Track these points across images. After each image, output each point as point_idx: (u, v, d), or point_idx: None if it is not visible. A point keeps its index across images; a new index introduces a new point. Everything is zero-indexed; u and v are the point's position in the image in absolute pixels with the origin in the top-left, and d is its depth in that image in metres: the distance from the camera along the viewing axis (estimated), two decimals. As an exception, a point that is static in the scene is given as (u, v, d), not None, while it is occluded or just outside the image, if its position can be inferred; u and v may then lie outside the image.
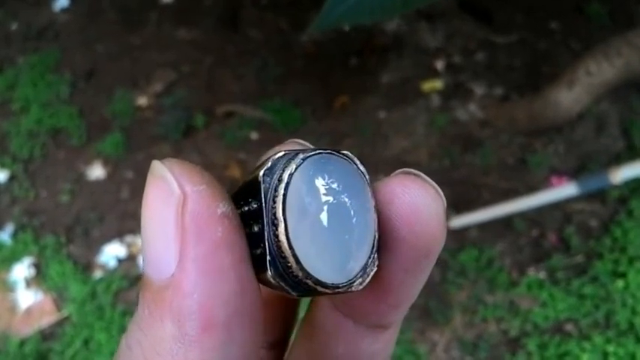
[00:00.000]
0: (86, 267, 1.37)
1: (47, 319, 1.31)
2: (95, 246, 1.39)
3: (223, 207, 0.16)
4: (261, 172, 0.18)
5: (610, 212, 1.32)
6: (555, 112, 1.34)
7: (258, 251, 0.17)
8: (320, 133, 1.47)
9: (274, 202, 0.17)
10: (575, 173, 1.36)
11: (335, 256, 0.17)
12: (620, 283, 1.22)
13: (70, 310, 1.31)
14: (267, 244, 0.17)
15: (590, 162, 1.37)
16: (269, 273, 0.17)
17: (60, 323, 1.31)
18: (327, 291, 0.18)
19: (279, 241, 0.17)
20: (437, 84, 1.53)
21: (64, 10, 1.82)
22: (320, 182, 0.17)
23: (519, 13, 1.63)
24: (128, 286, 1.33)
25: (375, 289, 0.19)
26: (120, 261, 1.36)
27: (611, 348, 1.16)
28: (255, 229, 0.18)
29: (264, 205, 0.17)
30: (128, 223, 1.41)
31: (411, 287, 0.20)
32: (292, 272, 0.17)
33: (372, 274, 0.18)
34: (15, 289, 1.35)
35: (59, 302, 1.33)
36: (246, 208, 0.18)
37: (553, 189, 1.26)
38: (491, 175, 1.39)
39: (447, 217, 1.32)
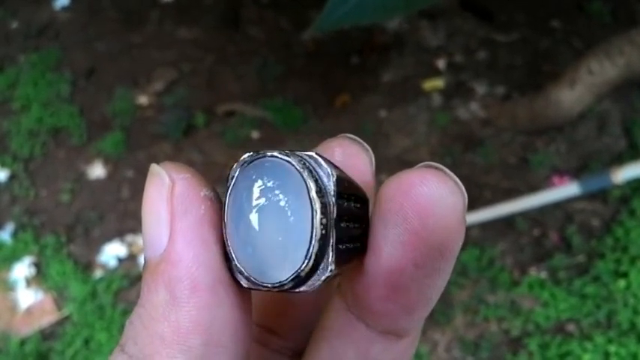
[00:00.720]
0: (86, 266, 1.37)
1: (47, 319, 1.31)
2: (95, 245, 1.38)
3: (206, 191, 0.19)
4: (230, 175, 0.19)
5: (612, 212, 1.31)
6: (557, 111, 1.33)
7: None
8: (321, 132, 1.47)
9: (226, 206, 0.19)
10: (576, 173, 1.36)
11: (269, 256, 0.18)
12: (621, 282, 1.22)
13: (71, 309, 1.31)
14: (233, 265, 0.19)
15: (591, 161, 1.37)
16: (243, 286, 0.19)
17: (60, 323, 1.31)
18: (262, 288, 0.18)
19: (234, 264, 0.18)
20: (438, 83, 1.53)
21: (64, 9, 1.82)
22: (257, 185, 0.18)
23: (521, 12, 1.63)
24: (129, 285, 1.33)
25: (384, 284, 0.19)
26: (120, 260, 1.36)
27: (612, 348, 1.15)
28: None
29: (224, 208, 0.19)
30: (129, 222, 1.41)
31: (424, 287, 0.19)
32: (239, 271, 0.18)
33: (323, 277, 0.18)
34: (15, 288, 1.35)
35: (59, 302, 1.33)
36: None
37: (555, 188, 1.26)
38: (493, 175, 1.38)
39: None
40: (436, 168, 0.18)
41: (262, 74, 1.62)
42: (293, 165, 0.18)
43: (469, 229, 1.32)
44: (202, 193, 0.19)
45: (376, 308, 0.20)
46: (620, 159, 1.35)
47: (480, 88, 1.51)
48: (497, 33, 1.60)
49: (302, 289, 0.18)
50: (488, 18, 1.63)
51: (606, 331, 1.18)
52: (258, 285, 0.18)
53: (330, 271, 0.18)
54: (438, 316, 1.23)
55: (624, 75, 1.25)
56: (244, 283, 0.19)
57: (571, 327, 1.20)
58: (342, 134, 0.22)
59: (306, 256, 0.18)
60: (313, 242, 0.18)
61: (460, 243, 0.19)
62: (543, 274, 1.26)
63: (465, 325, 1.23)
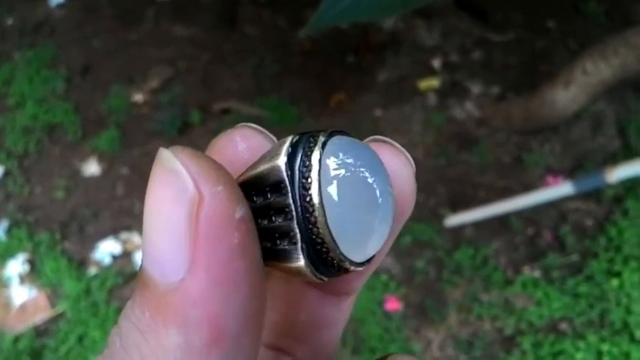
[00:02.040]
0: (81, 263, 1.36)
1: (41, 316, 1.30)
2: (90, 242, 1.38)
3: (240, 210, 0.15)
4: (282, 161, 0.17)
5: (605, 211, 1.32)
6: (552, 111, 1.34)
7: (283, 244, 0.17)
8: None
9: (306, 189, 0.16)
10: (571, 172, 1.36)
11: (359, 237, 0.17)
12: (614, 282, 1.22)
13: (65, 306, 1.31)
14: (298, 233, 0.16)
15: (586, 161, 1.38)
16: (301, 262, 0.17)
17: (54, 320, 1.30)
18: (358, 269, 0.18)
19: (317, 227, 0.16)
20: (433, 82, 1.53)
21: (60, 6, 1.82)
22: (332, 159, 0.17)
23: (516, 12, 1.63)
24: (123, 282, 1.33)
25: None
26: (115, 258, 1.36)
27: (605, 347, 1.16)
28: (276, 220, 0.17)
29: (292, 193, 0.16)
30: (123, 219, 1.41)
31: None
32: (329, 257, 0.17)
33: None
34: (9, 285, 1.34)
35: (53, 299, 1.33)
36: (261, 201, 0.17)
37: (549, 188, 1.26)
38: (488, 174, 1.39)
39: (442, 215, 1.33)
40: (386, 142, 0.20)
41: (258, 73, 1.62)
42: (373, 152, 0.19)
43: (464, 228, 1.32)
44: (237, 215, 0.15)
45: None
46: (614, 159, 1.36)
47: (475, 88, 1.51)
48: (492, 33, 1.60)
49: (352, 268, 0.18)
50: (484, 18, 1.64)
51: (599, 330, 1.19)
52: (357, 266, 0.18)
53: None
54: (432, 315, 1.23)
55: (619, 75, 1.25)
56: (325, 277, 0.17)
57: (564, 326, 1.21)
58: (243, 123, 0.20)
59: (379, 245, 0.18)
60: (388, 231, 0.18)
61: (412, 207, 0.20)
62: (537, 273, 1.27)
63: (459, 323, 1.23)
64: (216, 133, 1.46)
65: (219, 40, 1.69)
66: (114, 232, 1.39)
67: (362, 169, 0.17)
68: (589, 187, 1.24)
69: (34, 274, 1.36)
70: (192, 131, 1.52)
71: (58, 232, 1.41)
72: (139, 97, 1.60)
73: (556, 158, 1.39)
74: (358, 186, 0.17)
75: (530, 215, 1.32)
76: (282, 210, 0.17)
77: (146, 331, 0.15)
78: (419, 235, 1.31)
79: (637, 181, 1.30)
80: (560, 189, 1.22)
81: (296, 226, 0.16)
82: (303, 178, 0.16)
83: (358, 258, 0.17)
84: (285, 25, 1.71)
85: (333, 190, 0.16)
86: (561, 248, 1.29)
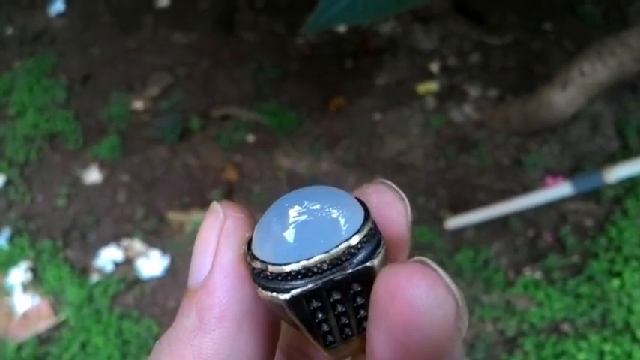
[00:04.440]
0: (83, 271, 1.37)
1: (44, 324, 1.31)
2: (92, 250, 1.39)
3: (250, 234, 0.21)
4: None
5: (605, 212, 1.32)
6: (550, 112, 1.34)
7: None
8: (316, 135, 1.48)
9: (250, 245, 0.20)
10: (570, 173, 1.37)
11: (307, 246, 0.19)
12: (615, 282, 1.22)
13: (67, 314, 1.31)
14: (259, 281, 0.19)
15: (584, 162, 1.38)
16: (258, 289, 0.19)
17: (57, 327, 1.31)
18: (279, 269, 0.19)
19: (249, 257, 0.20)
20: (432, 86, 1.54)
21: (59, 15, 1.83)
22: (295, 209, 0.19)
23: (513, 15, 1.64)
24: (125, 289, 1.33)
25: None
26: (117, 264, 1.36)
27: (607, 347, 1.16)
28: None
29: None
30: (125, 226, 1.41)
31: None
32: (265, 275, 0.19)
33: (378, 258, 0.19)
34: (12, 293, 1.35)
35: (56, 306, 1.33)
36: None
37: (548, 189, 1.27)
38: (487, 176, 1.39)
39: (442, 218, 1.33)
40: (428, 267, 0.17)
41: (257, 78, 1.63)
42: (358, 201, 0.20)
43: (464, 230, 1.32)
44: (247, 234, 0.20)
45: None
46: (612, 159, 1.36)
47: (474, 91, 1.52)
48: (489, 36, 1.61)
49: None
50: (481, 21, 1.64)
51: (601, 330, 1.19)
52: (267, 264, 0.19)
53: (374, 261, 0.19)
54: (434, 317, 1.23)
55: (616, 76, 1.26)
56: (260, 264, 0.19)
57: (566, 326, 1.21)
58: (379, 180, 0.22)
59: (351, 232, 0.19)
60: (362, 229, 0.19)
61: (455, 347, 0.17)
62: (538, 275, 1.27)
63: (461, 325, 1.23)
64: (216, 139, 1.47)
65: (218, 46, 1.70)
66: (115, 239, 1.39)
67: (331, 210, 0.19)
68: (588, 187, 1.25)
69: (36, 282, 1.36)
70: (193, 138, 1.52)
71: (60, 239, 1.41)
72: (139, 104, 1.61)
73: (555, 159, 1.40)
74: (319, 223, 0.19)
75: (530, 216, 1.32)
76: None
77: (176, 323, 0.20)
78: (419, 238, 1.31)
79: (636, 180, 1.31)
80: (560, 190, 1.22)
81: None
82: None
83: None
84: (283, 30, 1.72)
85: (289, 234, 0.19)
86: (562, 249, 1.29)
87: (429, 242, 1.31)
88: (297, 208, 0.19)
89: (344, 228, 0.18)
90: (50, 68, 1.70)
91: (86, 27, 1.79)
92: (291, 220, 0.19)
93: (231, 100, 1.59)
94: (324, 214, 0.19)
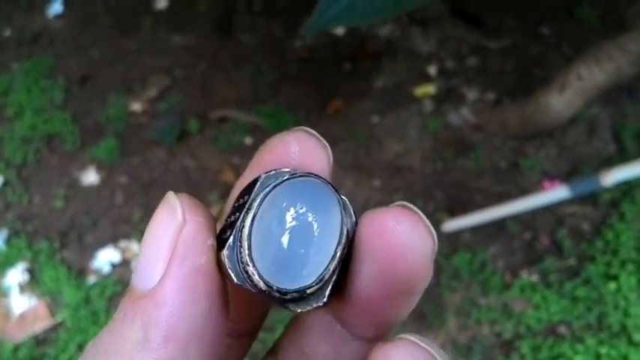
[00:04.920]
0: (80, 272, 1.37)
1: (41, 325, 1.31)
2: (89, 251, 1.39)
3: (212, 240, 0.19)
4: (252, 191, 0.20)
5: (602, 215, 1.33)
6: (547, 116, 1.35)
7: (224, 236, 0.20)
8: (314, 138, 1.48)
9: (242, 228, 0.19)
10: (567, 176, 1.37)
11: (292, 268, 0.19)
12: (612, 285, 1.23)
13: (64, 315, 1.31)
14: (235, 258, 0.19)
15: (581, 165, 1.39)
16: (225, 251, 0.19)
17: (54, 328, 1.30)
18: (280, 296, 0.19)
19: (243, 257, 0.19)
20: (429, 89, 1.54)
21: (57, 16, 1.83)
22: (290, 213, 0.19)
23: (510, 18, 1.65)
24: (122, 291, 1.33)
25: (354, 305, 0.20)
26: (114, 266, 1.36)
27: (603, 350, 1.16)
28: (227, 233, 0.19)
29: (237, 223, 0.19)
30: (122, 228, 1.41)
31: (393, 312, 0.20)
32: (253, 283, 0.19)
33: (314, 305, 0.19)
34: (9, 294, 1.35)
35: (53, 307, 1.33)
36: (232, 217, 0.20)
37: (545, 192, 1.27)
38: (484, 179, 1.40)
39: (440, 220, 1.33)
40: (410, 210, 0.19)
41: (255, 80, 1.63)
42: (333, 192, 0.20)
43: (461, 233, 1.32)
44: (209, 242, 0.19)
45: (353, 323, 0.21)
46: (609, 163, 1.37)
47: (471, 94, 1.52)
48: (487, 39, 1.61)
49: (291, 306, 0.19)
50: (479, 24, 1.65)
51: (597, 333, 1.19)
52: (279, 293, 0.19)
53: (323, 303, 0.19)
54: (431, 320, 1.24)
55: (613, 80, 1.26)
56: (256, 282, 0.19)
57: (562, 329, 1.21)
58: (299, 127, 0.22)
59: (318, 277, 0.19)
60: (329, 268, 0.19)
61: (427, 282, 0.20)
62: (534, 277, 1.27)
63: (458, 328, 1.24)
64: (214, 141, 1.47)
65: (216, 48, 1.70)
66: (113, 240, 1.39)
67: (308, 214, 0.19)
68: (585, 191, 1.25)
69: (33, 283, 1.36)
70: (191, 139, 1.52)
71: (58, 241, 1.41)
72: (137, 106, 1.61)
73: (552, 163, 1.40)
74: (303, 228, 0.19)
75: (527, 220, 1.32)
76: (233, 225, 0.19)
77: (115, 328, 0.18)
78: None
79: (633, 184, 1.31)
80: (557, 193, 1.23)
81: (235, 253, 0.19)
82: (243, 220, 0.19)
83: (288, 285, 0.19)
84: (281, 32, 1.72)
85: (285, 239, 0.19)
86: (558, 252, 1.30)
87: (427, 245, 1.31)
88: (292, 210, 0.19)
89: (315, 234, 0.19)
90: (48, 69, 1.71)
91: (84, 28, 1.79)
92: (287, 225, 0.19)
93: (229, 103, 1.59)
94: (308, 220, 0.19)
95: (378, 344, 0.19)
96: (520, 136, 1.42)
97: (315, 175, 0.20)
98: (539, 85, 1.40)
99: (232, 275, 0.19)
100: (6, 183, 1.51)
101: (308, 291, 0.19)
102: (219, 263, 0.19)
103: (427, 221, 0.19)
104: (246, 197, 0.20)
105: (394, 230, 0.18)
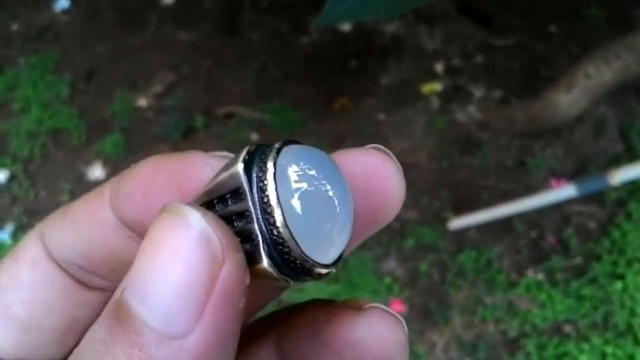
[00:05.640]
0: (85, 267, 1.37)
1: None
2: (95, 246, 1.38)
3: (248, 279, 0.16)
4: (240, 167, 0.17)
5: (608, 214, 1.32)
6: (554, 114, 1.34)
7: (246, 247, 0.17)
8: (319, 135, 1.48)
9: (263, 192, 0.17)
10: (573, 175, 1.37)
11: (319, 242, 0.18)
12: (618, 284, 1.22)
13: (70, 310, 1.31)
14: (259, 234, 0.17)
15: (588, 164, 1.38)
16: (264, 263, 0.17)
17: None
18: (322, 271, 0.18)
19: (276, 227, 0.17)
20: (436, 86, 1.54)
21: (64, 12, 1.83)
22: (292, 169, 0.17)
23: (518, 17, 1.64)
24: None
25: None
26: (119, 261, 1.36)
27: (609, 349, 1.16)
28: (238, 225, 0.17)
29: (250, 196, 0.17)
30: (128, 223, 1.41)
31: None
32: (291, 257, 0.17)
33: (325, 271, 0.19)
34: (14, 288, 1.35)
35: (58, 302, 1.33)
36: (222, 209, 0.18)
37: (552, 191, 1.27)
38: (490, 177, 1.39)
39: (446, 218, 1.33)
40: (380, 150, 0.20)
41: (261, 77, 1.63)
42: (331, 160, 0.19)
43: (467, 231, 1.32)
44: (247, 282, 0.16)
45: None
46: (616, 162, 1.36)
47: (478, 92, 1.52)
48: (494, 37, 1.61)
49: (307, 278, 0.18)
50: (486, 22, 1.64)
51: (603, 332, 1.19)
52: (323, 267, 0.18)
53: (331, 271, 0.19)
54: (436, 317, 1.24)
55: (621, 79, 1.26)
56: (291, 280, 0.18)
57: (568, 328, 1.21)
58: (373, 145, 0.21)
59: (340, 252, 0.19)
60: (347, 239, 0.19)
61: (395, 212, 0.20)
62: (540, 276, 1.27)
63: (463, 326, 1.23)
64: (220, 137, 1.47)
65: (222, 45, 1.70)
66: (118, 235, 1.39)
67: (323, 182, 0.18)
68: (592, 189, 1.25)
69: (38, 278, 1.36)
70: (196, 136, 1.52)
71: (63, 236, 1.41)
72: (142, 101, 1.61)
73: (559, 161, 1.40)
74: (320, 198, 0.18)
75: (533, 218, 1.32)
76: (243, 214, 0.17)
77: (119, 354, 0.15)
78: (422, 238, 1.31)
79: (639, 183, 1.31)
80: (563, 192, 1.22)
81: (256, 227, 0.17)
82: (260, 181, 0.17)
83: (322, 260, 0.18)
84: (287, 30, 1.72)
85: (296, 203, 0.17)
86: (565, 251, 1.29)
87: (432, 242, 1.31)
88: (295, 168, 0.18)
89: (337, 210, 0.18)
90: (54, 65, 1.71)
91: (90, 24, 1.79)
92: (293, 185, 0.17)
93: (235, 99, 1.59)
94: (325, 189, 0.18)
95: (348, 312, 0.20)
96: (527, 135, 1.42)
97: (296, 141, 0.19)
98: (545, 84, 1.40)
99: (288, 280, 0.18)
100: (12, 177, 1.52)
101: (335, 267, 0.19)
102: (256, 275, 0.17)
103: (390, 153, 0.20)
104: (232, 199, 0.18)
105: (384, 170, 0.19)
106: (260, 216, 0.17)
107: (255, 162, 0.18)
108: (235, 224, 0.17)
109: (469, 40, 1.61)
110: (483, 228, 1.32)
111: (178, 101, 1.59)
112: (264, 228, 0.17)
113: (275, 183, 0.17)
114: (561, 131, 1.41)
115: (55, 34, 1.79)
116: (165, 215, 0.16)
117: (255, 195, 0.17)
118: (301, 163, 0.18)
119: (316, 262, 0.18)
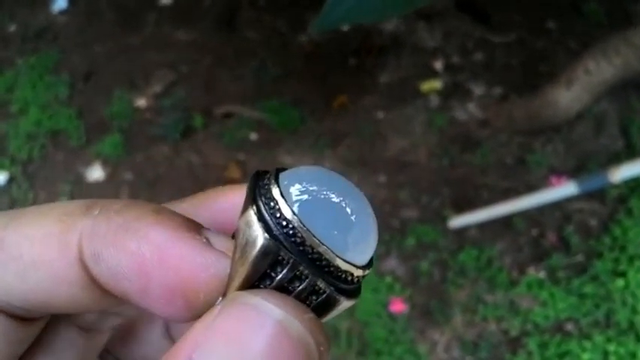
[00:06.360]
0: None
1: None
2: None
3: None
4: (265, 237, 0.17)
5: (609, 211, 1.32)
6: (554, 111, 1.34)
7: (315, 298, 0.17)
8: (319, 133, 1.47)
9: (301, 241, 0.17)
10: (574, 172, 1.36)
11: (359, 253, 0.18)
12: (620, 282, 1.22)
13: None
14: (329, 286, 0.17)
15: (589, 161, 1.38)
16: (346, 302, 0.17)
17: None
18: (361, 273, 0.18)
19: (328, 260, 0.17)
20: (435, 84, 1.53)
21: (62, 12, 1.82)
22: (295, 187, 0.17)
23: (516, 13, 1.64)
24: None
25: None
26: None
27: (611, 347, 1.16)
28: (298, 285, 0.17)
29: (286, 257, 0.17)
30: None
31: None
32: (332, 269, 0.17)
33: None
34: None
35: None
36: (271, 284, 0.17)
37: (552, 188, 1.26)
38: (491, 175, 1.39)
39: (446, 216, 1.33)
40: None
41: (260, 76, 1.62)
42: (343, 177, 0.18)
43: (467, 229, 1.32)
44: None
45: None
46: (617, 159, 1.36)
47: (477, 89, 1.51)
48: (493, 34, 1.60)
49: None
50: (485, 19, 1.64)
51: (605, 330, 1.19)
52: (363, 269, 0.18)
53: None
54: (437, 316, 1.23)
55: (621, 75, 1.25)
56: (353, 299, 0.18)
57: (570, 326, 1.21)
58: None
59: (370, 259, 0.18)
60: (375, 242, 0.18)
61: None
62: (542, 274, 1.26)
63: (464, 324, 1.23)
64: (219, 137, 1.47)
65: (221, 43, 1.70)
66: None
67: (327, 192, 0.17)
68: (593, 187, 1.24)
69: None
70: (195, 135, 1.52)
71: (63, 237, 1.41)
72: (141, 101, 1.60)
73: (559, 158, 1.39)
74: (325, 207, 0.17)
75: (534, 216, 1.32)
76: (295, 277, 0.17)
77: None
78: (423, 237, 1.31)
79: (640, 180, 1.30)
80: (564, 189, 1.22)
81: (323, 283, 0.17)
82: (297, 242, 0.17)
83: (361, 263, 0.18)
84: (285, 28, 1.71)
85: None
86: (566, 249, 1.29)
87: (433, 241, 1.31)
88: (297, 186, 0.17)
89: (352, 218, 0.17)
90: (53, 65, 1.70)
91: (89, 24, 1.79)
92: (294, 197, 0.17)
93: (234, 98, 1.58)
94: (324, 196, 0.17)
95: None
96: (527, 132, 1.42)
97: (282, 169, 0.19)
98: (545, 80, 1.39)
99: (345, 297, 0.18)
100: (11, 179, 1.51)
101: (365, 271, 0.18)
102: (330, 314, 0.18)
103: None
104: (275, 273, 0.17)
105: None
106: (311, 262, 0.17)
107: (269, 220, 0.17)
108: (295, 286, 0.17)
109: (468, 38, 1.60)
110: (484, 226, 1.32)
111: (177, 101, 1.59)
112: (323, 272, 0.17)
113: (300, 222, 0.17)
114: (561, 128, 1.41)
115: (53, 34, 1.78)
116: (258, 308, 0.16)
117: (288, 247, 0.17)
118: (304, 182, 0.17)
119: (355, 263, 0.17)
